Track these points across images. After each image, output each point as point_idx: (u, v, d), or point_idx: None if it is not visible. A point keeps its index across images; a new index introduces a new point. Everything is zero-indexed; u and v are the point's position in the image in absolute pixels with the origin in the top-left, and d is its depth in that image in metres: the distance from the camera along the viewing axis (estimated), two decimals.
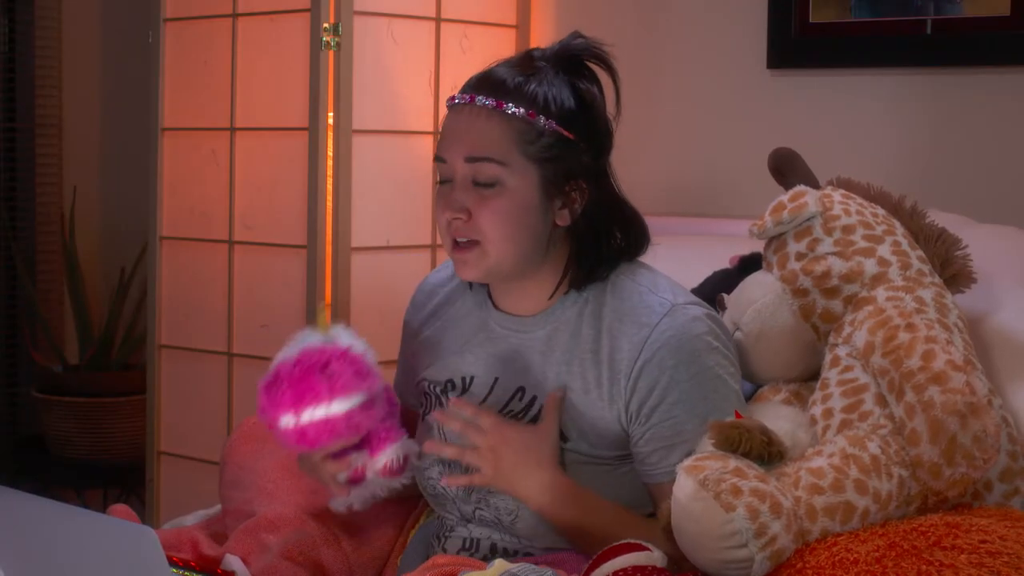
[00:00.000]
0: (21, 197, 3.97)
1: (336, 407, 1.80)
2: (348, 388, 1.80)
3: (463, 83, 1.89)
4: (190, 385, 3.23)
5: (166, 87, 3.23)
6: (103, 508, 3.53)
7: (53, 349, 3.86)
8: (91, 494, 3.84)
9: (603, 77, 1.92)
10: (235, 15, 3.10)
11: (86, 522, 1.53)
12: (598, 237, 1.88)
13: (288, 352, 1.85)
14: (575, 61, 1.88)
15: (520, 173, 1.82)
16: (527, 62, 1.87)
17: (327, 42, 2.91)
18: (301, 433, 1.81)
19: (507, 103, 1.82)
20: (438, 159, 1.87)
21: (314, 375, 1.79)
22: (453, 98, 1.87)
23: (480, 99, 1.83)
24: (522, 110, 1.81)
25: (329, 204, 2.94)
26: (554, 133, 1.82)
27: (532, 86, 1.83)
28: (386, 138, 2.97)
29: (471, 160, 1.83)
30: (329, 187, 2.94)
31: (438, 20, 3.08)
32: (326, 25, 2.91)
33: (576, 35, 1.91)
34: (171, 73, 3.23)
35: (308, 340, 1.85)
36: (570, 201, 1.86)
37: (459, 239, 1.85)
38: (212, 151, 3.15)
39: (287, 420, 1.81)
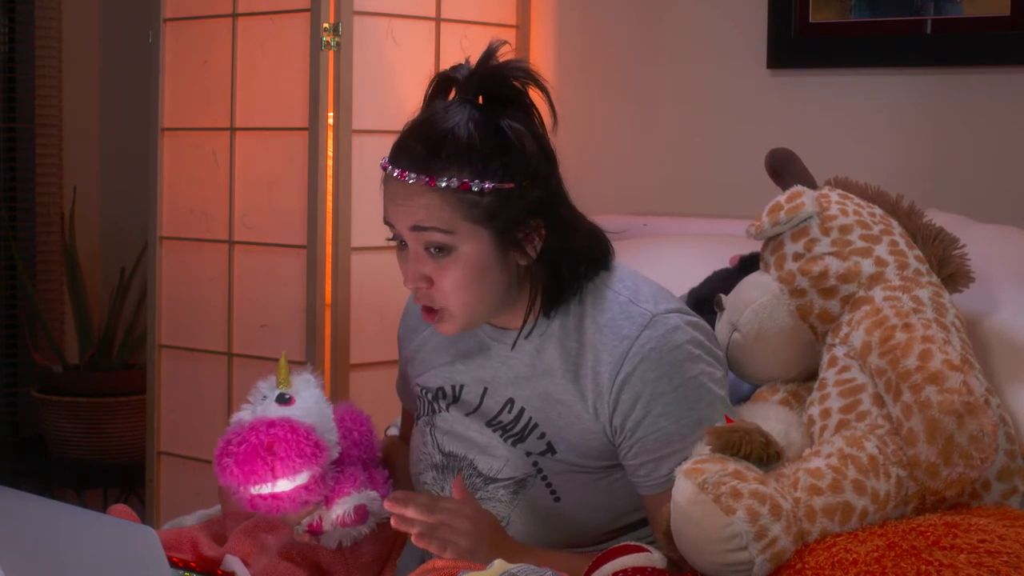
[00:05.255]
0: (21, 197, 3.97)
1: (280, 486, 1.84)
2: (291, 470, 1.84)
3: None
4: (190, 385, 3.23)
5: (166, 87, 3.23)
6: (103, 508, 3.53)
7: (53, 349, 3.86)
8: (91, 494, 3.84)
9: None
10: (235, 15, 3.10)
11: (86, 522, 1.54)
12: (562, 264, 1.85)
13: (243, 415, 1.89)
14: (498, 88, 1.82)
15: (469, 238, 1.79)
16: (446, 111, 1.80)
17: (327, 42, 2.91)
18: (251, 503, 1.86)
19: (438, 178, 1.76)
20: (386, 222, 1.84)
21: (258, 457, 1.83)
22: (384, 164, 1.83)
23: (410, 176, 1.77)
24: (455, 181, 1.76)
25: (329, 204, 2.94)
26: (493, 190, 1.78)
27: (458, 147, 1.77)
28: (386, 138, 2.92)
29: (416, 229, 1.79)
30: (329, 187, 2.94)
31: (438, 20, 3.08)
32: (326, 25, 2.91)
33: (492, 51, 1.82)
34: (171, 73, 3.23)
35: (263, 405, 1.89)
36: (529, 240, 1.82)
37: (425, 305, 1.85)
38: (212, 151, 3.16)
39: (238, 487, 1.86)
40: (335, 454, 1.90)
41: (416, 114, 1.85)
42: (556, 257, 1.84)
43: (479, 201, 1.77)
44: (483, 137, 1.78)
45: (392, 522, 1.83)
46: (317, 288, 2.96)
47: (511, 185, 1.78)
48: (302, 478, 1.85)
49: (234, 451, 1.84)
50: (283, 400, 1.89)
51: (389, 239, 1.86)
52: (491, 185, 1.77)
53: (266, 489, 1.84)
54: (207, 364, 3.18)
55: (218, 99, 3.14)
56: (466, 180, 1.76)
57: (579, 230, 1.88)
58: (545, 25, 3.22)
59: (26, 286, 3.87)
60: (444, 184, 1.76)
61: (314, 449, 1.85)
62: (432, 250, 1.80)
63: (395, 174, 1.80)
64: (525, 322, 1.88)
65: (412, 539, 1.83)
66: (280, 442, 1.84)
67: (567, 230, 1.85)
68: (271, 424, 1.85)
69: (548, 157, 1.84)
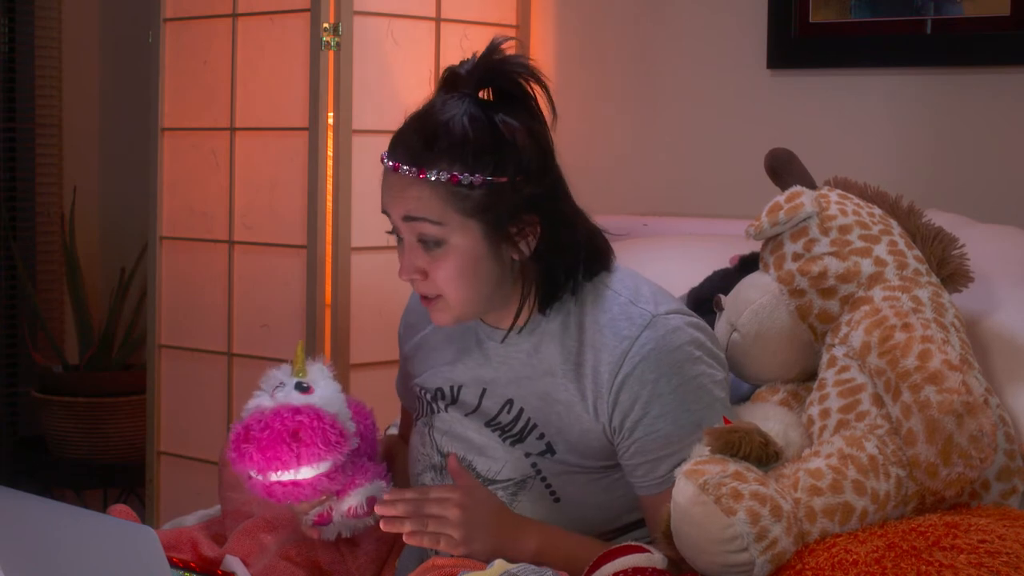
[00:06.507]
0: (21, 197, 3.98)
1: (303, 474, 1.83)
2: (315, 458, 1.82)
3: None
4: (190, 385, 3.23)
5: (166, 87, 3.24)
6: (103, 508, 3.53)
7: (53, 349, 3.86)
8: (91, 494, 3.84)
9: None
10: (235, 15, 3.10)
11: (86, 522, 1.54)
12: (557, 262, 1.85)
13: (262, 401, 1.86)
14: (499, 83, 1.82)
15: (460, 230, 1.80)
16: (444, 104, 1.81)
17: (327, 42, 2.91)
18: (267, 490, 1.84)
19: (429, 171, 1.78)
20: (384, 211, 1.86)
21: (283, 443, 1.81)
22: (383, 156, 1.84)
23: (403, 168, 1.79)
24: (445, 174, 1.77)
25: (329, 204, 2.94)
26: (484, 184, 1.78)
27: (450, 140, 1.78)
28: (386, 138, 2.94)
29: (408, 219, 1.81)
30: (329, 187, 2.94)
31: (438, 20, 3.08)
32: (326, 25, 2.91)
33: (495, 46, 1.83)
34: (171, 73, 3.23)
35: (284, 391, 1.87)
36: (523, 236, 1.83)
37: (422, 294, 1.86)
38: (212, 151, 3.16)
39: (254, 475, 1.84)
40: (354, 444, 1.89)
41: (419, 107, 1.86)
42: (551, 254, 1.85)
43: (469, 194, 1.78)
44: (476, 131, 1.79)
45: (382, 524, 1.83)
46: (317, 288, 2.96)
47: (503, 180, 1.79)
48: (324, 467, 1.83)
49: (256, 436, 1.81)
50: (302, 389, 1.87)
51: (388, 231, 1.87)
52: (481, 179, 1.78)
53: (287, 476, 1.82)
54: (207, 364, 3.18)
55: (218, 99, 3.14)
56: (456, 173, 1.78)
57: (577, 229, 1.88)
58: (545, 25, 3.22)
59: (26, 286, 3.87)
60: (434, 177, 1.78)
61: (339, 438, 1.84)
62: (425, 243, 1.81)
63: (390, 165, 1.82)
64: (517, 317, 1.88)
65: (404, 538, 1.83)
66: (306, 429, 1.82)
67: (563, 228, 1.85)
68: (296, 411, 1.83)
69: (544, 153, 1.84)
